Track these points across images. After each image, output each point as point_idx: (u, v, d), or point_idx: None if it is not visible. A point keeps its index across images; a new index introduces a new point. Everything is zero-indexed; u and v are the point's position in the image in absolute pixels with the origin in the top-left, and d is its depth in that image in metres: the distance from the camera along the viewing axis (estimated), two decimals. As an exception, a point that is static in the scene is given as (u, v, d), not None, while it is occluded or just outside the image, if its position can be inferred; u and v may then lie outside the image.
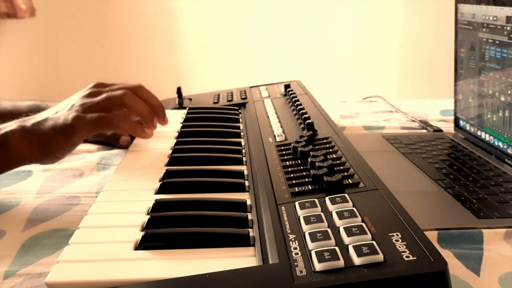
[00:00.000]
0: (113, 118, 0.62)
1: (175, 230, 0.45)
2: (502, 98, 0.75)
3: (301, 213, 0.43)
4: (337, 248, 0.36)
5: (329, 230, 0.39)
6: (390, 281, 0.33)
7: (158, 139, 0.72)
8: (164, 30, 2.41)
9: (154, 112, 0.70)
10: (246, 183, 0.56)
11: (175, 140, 0.71)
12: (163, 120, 0.72)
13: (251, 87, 1.01)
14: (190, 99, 0.98)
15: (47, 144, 0.60)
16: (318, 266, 0.34)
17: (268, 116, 0.77)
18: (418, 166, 0.74)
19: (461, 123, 0.90)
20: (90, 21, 2.37)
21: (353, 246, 0.36)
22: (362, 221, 0.40)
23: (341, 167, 0.52)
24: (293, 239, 0.39)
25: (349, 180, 0.49)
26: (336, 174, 0.48)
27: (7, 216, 0.59)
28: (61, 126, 0.60)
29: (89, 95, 0.65)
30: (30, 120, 0.62)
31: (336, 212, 0.41)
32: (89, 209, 0.50)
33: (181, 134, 0.74)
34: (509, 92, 0.73)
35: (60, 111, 0.63)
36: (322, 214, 0.42)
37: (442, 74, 1.72)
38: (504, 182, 0.67)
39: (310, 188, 0.48)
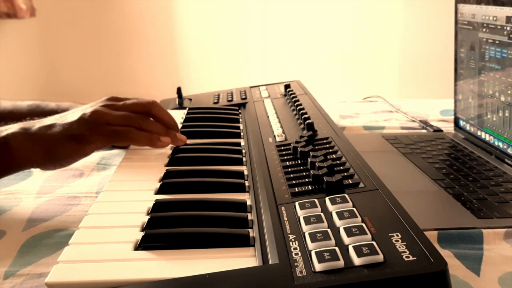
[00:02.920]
0: (129, 132, 0.62)
1: (175, 230, 0.45)
2: (502, 98, 0.75)
3: (301, 213, 0.43)
4: (337, 248, 0.36)
5: (329, 230, 0.39)
6: (390, 281, 0.33)
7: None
8: (164, 30, 2.41)
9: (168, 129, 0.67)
10: (246, 183, 0.56)
11: (175, 140, 0.71)
12: (176, 138, 0.67)
13: (251, 87, 1.01)
14: (190, 99, 0.98)
15: (54, 150, 0.58)
16: (318, 267, 0.34)
17: (268, 116, 0.77)
18: (418, 166, 0.74)
19: (461, 123, 0.90)
20: (90, 21, 2.37)
21: (353, 246, 0.36)
22: (362, 221, 0.40)
23: (341, 167, 0.52)
24: (293, 239, 0.39)
25: (349, 180, 0.49)
26: (336, 174, 0.48)
27: (7, 216, 0.59)
28: (74, 134, 0.59)
29: (100, 109, 0.63)
30: (35, 124, 0.60)
31: (336, 212, 0.41)
32: (89, 209, 0.50)
33: (181, 134, 0.74)
34: (509, 92, 0.73)
35: (70, 117, 0.61)
36: (322, 214, 0.42)
37: (442, 74, 1.72)
38: (504, 182, 0.67)
39: (310, 188, 0.48)
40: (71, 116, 0.62)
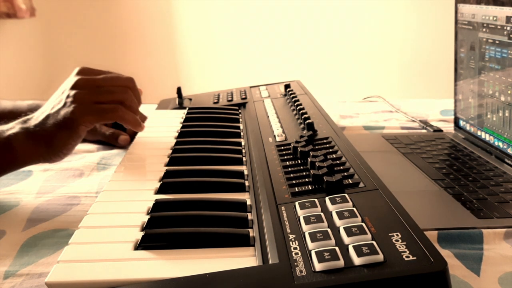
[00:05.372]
0: (116, 109, 0.64)
1: (175, 230, 0.45)
2: (502, 98, 0.75)
3: (301, 213, 0.43)
4: (337, 248, 0.36)
5: (329, 230, 0.39)
6: (390, 281, 0.33)
7: (158, 139, 0.72)
8: (164, 30, 2.41)
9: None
10: (246, 183, 0.56)
11: (175, 140, 0.71)
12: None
13: (251, 87, 1.01)
14: (190, 99, 0.98)
15: (53, 142, 0.61)
16: (318, 266, 0.34)
17: (268, 116, 0.77)
18: (418, 166, 0.74)
19: (461, 123, 0.90)
20: (90, 21, 2.37)
21: (353, 246, 0.36)
22: (362, 221, 0.40)
23: (341, 167, 0.52)
24: (293, 239, 0.39)
25: (349, 180, 0.49)
26: (336, 174, 0.48)
27: (7, 216, 0.59)
28: (63, 121, 0.61)
29: (79, 86, 0.64)
30: (31, 121, 0.62)
31: (336, 212, 0.41)
32: (89, 209, 0.50)
33: (181, 134, 0.74)
34: (509, 92, 0.73)
35: (56, 105, 0.63)
36: (322, 214, 0.42)
37: (442, 74, 1.72)
38: (504, 182, 0.67)
39: (310, 188, 0.48)
40: (54, 103, 0.63)
